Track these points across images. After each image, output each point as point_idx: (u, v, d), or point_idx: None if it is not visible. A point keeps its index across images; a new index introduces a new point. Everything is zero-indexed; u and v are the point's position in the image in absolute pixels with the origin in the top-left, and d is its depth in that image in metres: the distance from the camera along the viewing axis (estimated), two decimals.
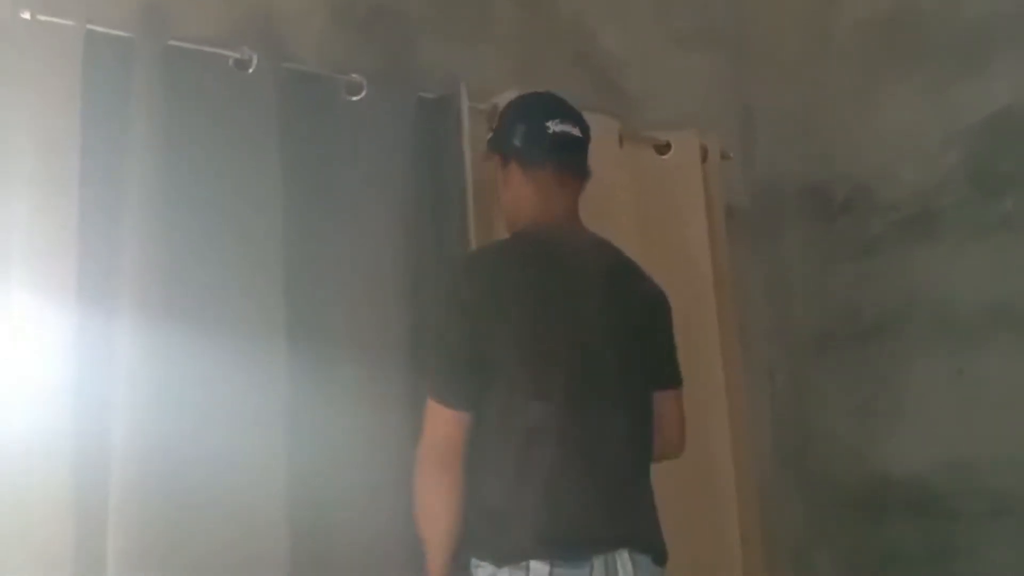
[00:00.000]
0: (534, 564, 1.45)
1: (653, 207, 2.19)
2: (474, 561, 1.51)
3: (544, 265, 1.59)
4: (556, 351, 1.54)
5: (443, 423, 1.52)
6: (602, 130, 2.09)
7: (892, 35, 2.32)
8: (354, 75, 1.90)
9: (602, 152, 2.08)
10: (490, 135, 1.77)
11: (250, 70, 1.79)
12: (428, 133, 1.96)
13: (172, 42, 1.73)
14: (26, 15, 1.61)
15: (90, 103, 1.63)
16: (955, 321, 2.18)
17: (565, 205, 1.66)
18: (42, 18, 1.61)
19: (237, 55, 1.79)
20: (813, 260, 2.45)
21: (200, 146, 1.72)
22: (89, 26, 1.65)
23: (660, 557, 1.56)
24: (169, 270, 1.65)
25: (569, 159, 1.66)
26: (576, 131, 1.66)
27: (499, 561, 1.47)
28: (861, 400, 2.35)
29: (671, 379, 1.72)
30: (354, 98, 1.90)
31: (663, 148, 2.28)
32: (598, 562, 1.47)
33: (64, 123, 1.61)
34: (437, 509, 1.52)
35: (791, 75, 2.55)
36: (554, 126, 1.64)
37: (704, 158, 2.30)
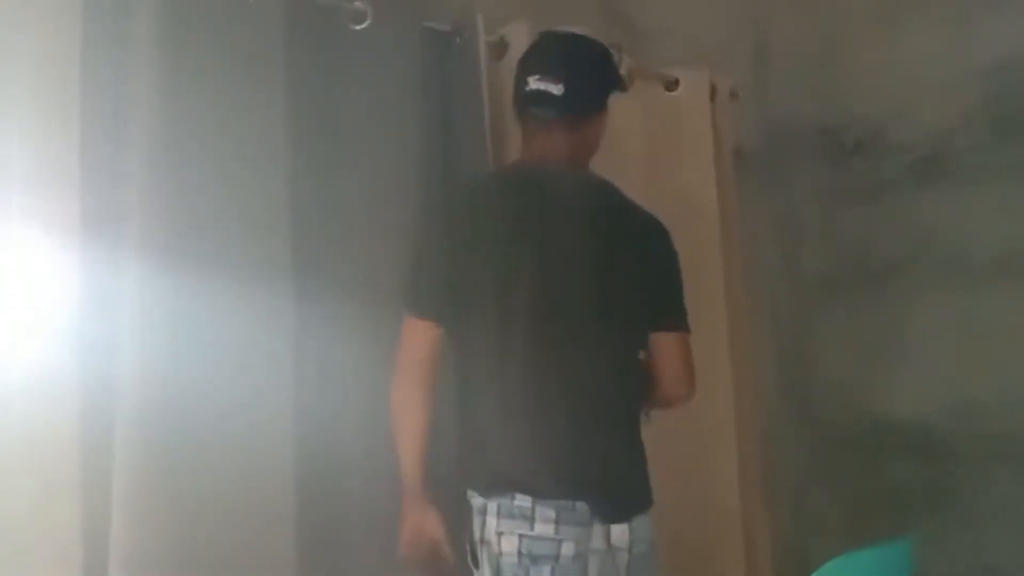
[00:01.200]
0: (519, 497, 1.49)
1: (660, 144, 2.15)
2: (469, 492, 1.55)
3: (524, 198, 1.61)
4: (530, 281, 1.55)
5: (414, 334, 1.56)
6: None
7: None
8: (357, 3, 1.87)
9: None
10: None
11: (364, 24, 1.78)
12: (435, 64, 1.91)
13: None
14: None
15: (92, 31, 1.59)
16: (964, 265, 2.17)
17: (552, 147, 1.65)
18: None
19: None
20: (823, 203, 2.42)
21: (203, 74, 1.67)
22: None
23: (645, 504, 1.59)
24: (173, 201, 1.61)
25: (545, 114, 1.64)
26: (556, 88, 1.62)
27: (487, 492, 1.51)
28: (866, 342, 2.35)
29: (672, 321, 1.70)
30: (358, 27, 1.86)
31: (672, 85, 2.24)
32: (580, 505, 1.50)
33: (65, 50, 1.57)
34: (404, 423, 1.56)
35: (808, 8, 2.49)
36: (533, 83, 1.63)
37: (713, 97, 2.26)
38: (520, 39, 1.88)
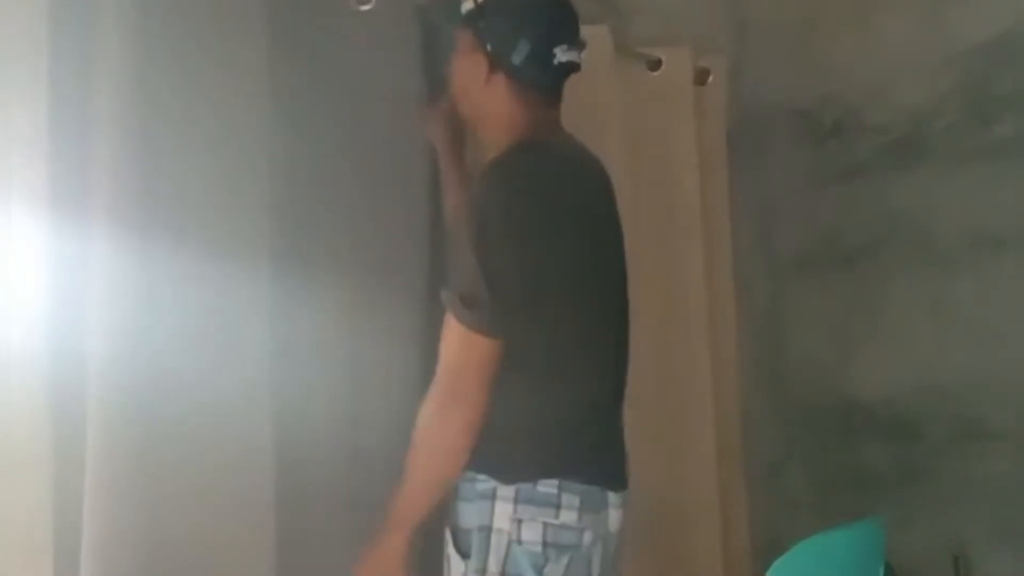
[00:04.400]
0: (544, 482, 1.42)
1: (643, 123, 2.14)
2: (468, 473, 1.45)
3: (574, 188, 1.52)
4: (587, 276, 1.50)
5: (480, 353, 1.40)
6: (597, 43, 2.04)
7: None
8: None
9: (595, 66, 2.03)
10: (469, 4, 1.56)
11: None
12: (427, 37, 1.86)
13: None
14: None
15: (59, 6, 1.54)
16: (936, 247, 2.19)
17: (555, 118, 1.60)
18: None
19: None
20: (799, 183, 2.43)
21: (178, 42, 1.60)
22: None
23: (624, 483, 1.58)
24: (144, 176, 1.55)
25: (561, 85, 1.58)
26: (579, 56, 1.56)
27: (504, 476, 1.43)
28: (838, 323, 2.37)
29: None
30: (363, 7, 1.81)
31: (655, 65, 2.23)
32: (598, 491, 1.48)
33: (32, 18, 1.52)
34: (438, 460, 1.43)
35: None
36: (561, 54, 1.52)
37: (701, 80, 2.24)
38: None
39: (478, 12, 1.54)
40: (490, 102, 1.56)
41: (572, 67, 1.55)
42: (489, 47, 1.53)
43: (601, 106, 2.02)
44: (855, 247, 2.33)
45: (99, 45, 1.55)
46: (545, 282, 1.44)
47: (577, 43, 1.55)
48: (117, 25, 1.54)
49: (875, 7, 2.29)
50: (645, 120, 2.15)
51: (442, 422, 1.43)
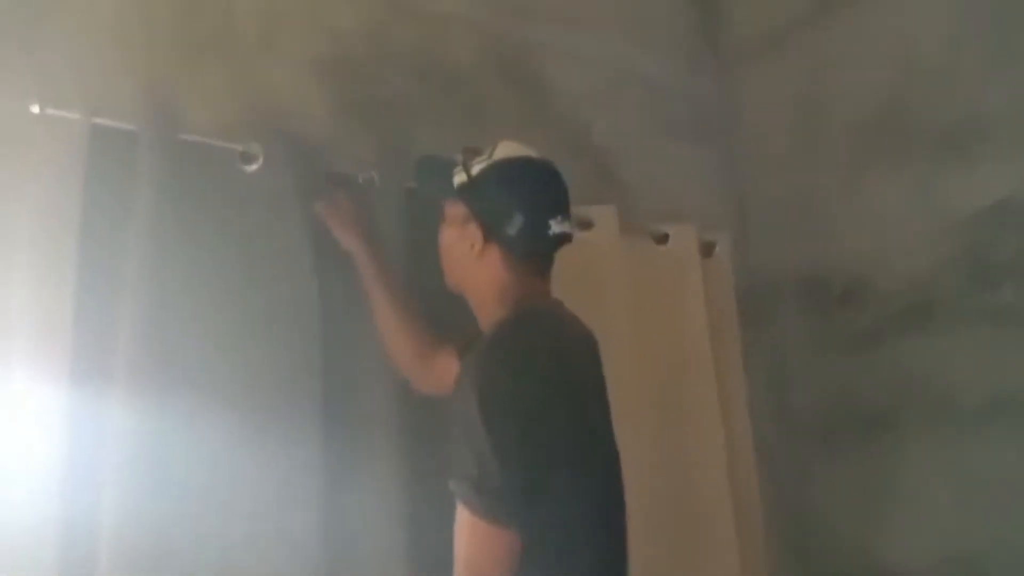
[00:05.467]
0: None
1: (653, 296, 2.19)
2: None
3: (567, 354, 1.49)
4: (594, 456, 1.47)
5: (493, 545, 1.32)
6: (604, 221, 2.13)
7: (880, 131, 2.36)
8: (373, 172, 1.92)
9: (602, 242, 2.11)
10: (461, 177, 1.59)
11: (256, 165, 1.80)
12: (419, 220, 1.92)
13: (180, 136, 1.74)
14: (35, 109, 1.62)
15: (92, 193, 1.64)
16: (953, 412, 2.18)
17: (546, 288, 1.61)
18: (50, 112, 1.63)
19: (242, 148, 1.80)
20: (811, 350, 2.45)
21: (201, 232, 1.73)
22: (95, 120, 1.66)
23: None
24: (164, 354, 1.63)
25: (555, 255, 1.60)
26: (571, 228, 1.59)
27: None
28: (861, 491, 2.32)
29: None
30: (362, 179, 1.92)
31: (661, 238, 2.30)
32: None
33: (65, 211, 1.62)
34: None
35: (784, 166, 2.58)
36: (556, 225, 1.54)
37: (707, 252, 2.31)
38: None
39: (471, 185, 1.58)
40: (483, 271, 1.57)
41: (565, 238, 1.57)
42: (483, 218, 1.56)
43: (611, 281, 2.08)
44: (872, 412, 2.32)
45: (128, 233, 1.65)
46: (554, 463, 1.39)
47: (569, 215, 1.57)
48: (146, 222, 1.64)
49: (865, 183, 2.37)
50: (655, 292, 2.20)
51: None
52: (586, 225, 2.13)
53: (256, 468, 1.63)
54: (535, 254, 1.57)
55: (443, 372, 1.70)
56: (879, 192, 2.35)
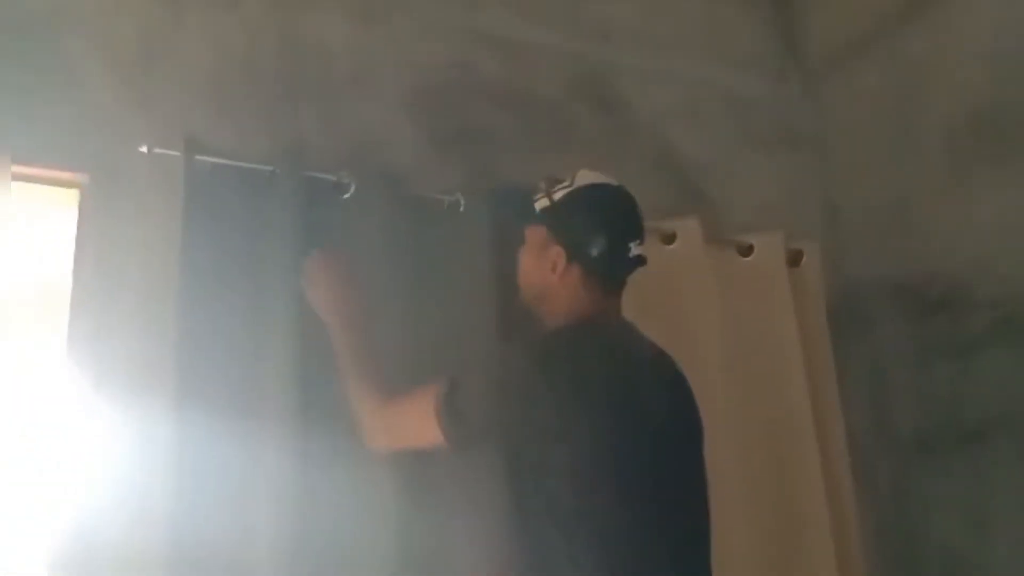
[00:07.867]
0: None
1: (740, 307, 2.17)
2: None
3: (617, 362, 1.56)
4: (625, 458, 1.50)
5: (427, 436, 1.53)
6: (688, 234, 2.12)
7: (980, 131, 2.28)
8: (459, 195, 1.97)
9: (686, 255, 2.11)
10: (543, 202, 1.67)
11: (349, 193, 1.88)
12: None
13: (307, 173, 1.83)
14: (143, 149, 1.74)
15: (191, 228, 1.73)
16: None
17: (617, 306, 1.67)
18: (158, 151, 1.74)
19: (335, 178, 1.88)
20: (908, 359, 2.37)
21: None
22: (198, 156, 1.77)
23: None
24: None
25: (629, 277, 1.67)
26: (643, 250, 1.66)
27: None
28: (962, 506, 2.23)
29: None
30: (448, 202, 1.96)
31: (746, 250, 2.28)
32: None
33: (167, 247, 1.72)
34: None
35: (877, 172, 2.52)
36: (635, 248, 1.63)
37: (795, 261, 2.28)
38: None
39: (553, 210, 1.66)
40: (563, 291, 1.64)
41: (641, 261, 1.65)
42: (566, 241, 1.63)
43: (695, 294, 2.07)
44: (973, 425, 2.23)
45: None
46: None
47: (642, 235, 1.66)
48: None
49: (966, 183, 2.30)
50: (741, 304, 2.17)
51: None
52: (669, 238, 2.14)
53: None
54: (614, 275, 1.65)
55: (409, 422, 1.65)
56: (980, 192, 2.27)
